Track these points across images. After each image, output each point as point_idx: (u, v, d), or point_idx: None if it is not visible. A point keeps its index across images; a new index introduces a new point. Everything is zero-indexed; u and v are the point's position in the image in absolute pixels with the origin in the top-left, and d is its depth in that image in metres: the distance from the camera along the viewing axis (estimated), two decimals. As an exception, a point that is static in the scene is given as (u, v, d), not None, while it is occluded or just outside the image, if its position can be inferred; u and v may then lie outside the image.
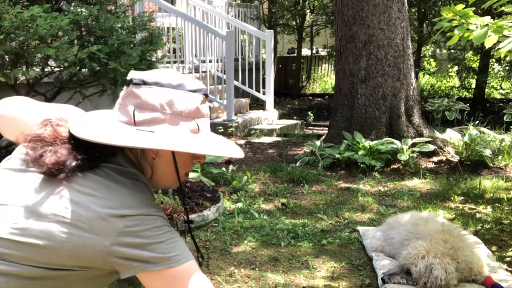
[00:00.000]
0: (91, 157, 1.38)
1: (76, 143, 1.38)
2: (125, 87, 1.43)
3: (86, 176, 1.35)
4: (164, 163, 1.45)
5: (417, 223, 3.26)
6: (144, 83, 1.39)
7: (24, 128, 1.50)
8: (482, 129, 6.78)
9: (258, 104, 9.52)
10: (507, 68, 10.54)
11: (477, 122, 7.57)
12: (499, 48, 2.84)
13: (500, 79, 11.42)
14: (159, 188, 1.52)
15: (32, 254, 1.30)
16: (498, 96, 11.31)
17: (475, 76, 10.47)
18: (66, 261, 1.32)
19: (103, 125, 1.39)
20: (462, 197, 4.73)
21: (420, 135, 6.12)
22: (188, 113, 1.40)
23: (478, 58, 10.56)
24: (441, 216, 4.20)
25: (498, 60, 10.44)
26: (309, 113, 9.49)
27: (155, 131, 1.36)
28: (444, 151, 6.06)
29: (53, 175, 1.34)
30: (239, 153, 1.46)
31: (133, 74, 1.43)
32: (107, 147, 1.37)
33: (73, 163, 1.35)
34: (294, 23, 11.66)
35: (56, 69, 4.66)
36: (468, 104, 8.88)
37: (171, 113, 1.38)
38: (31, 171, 1.38)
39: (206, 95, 1.45)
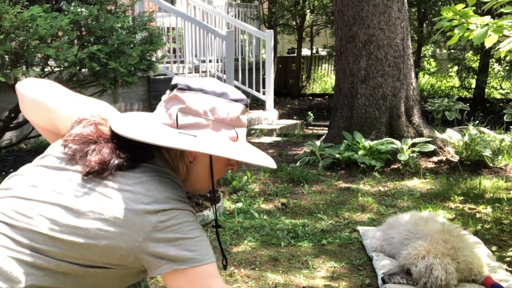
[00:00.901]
0: (133, 156, 1.41)
1: (119, 142, 1.42)
2: (168, 91, 1.47)
3: (125, 174, 1.38)
4: (200, 167, 1.49)
5: (417, 222, 3.26)
6: (189, 88, 1.44)
7: (54, 118, 1.54)
8: (482, 129, 6.78)
9: (258, 104, 9.52)
10: (507, 68, 10.54)
11: (477, 122, 7.57)
12: (499, 48, 2.84)
13: (500, 79, 11.42)
14: (190, 191, 1.57)
15: (69, 251, 1.33)
16: (498, 96, 11.31)
17: (475, 76, 10.47)
18: (99, 258, 1.34)
19: (147, 126, 1.43)
20: (462, 197, 4.73)
21: (420, 135, 6.12)
22: (229, 121, 1.45)
23: (478, 58, 10.56)
24: (441, 216, 4.19)
25: (498, 60, 10.44)
26: (309, 113, 9.49)
27: (197, 135, 1.40)
28: (444, 151, 6.06)
29: (97, 173, 1.38)
30: (272, 164, 1.52)
31: (178, 79, 1.47)
32: (148, 147, 1.42)
33: (116, 162, 1.39)
34: (294, 23, 11.67)
35: (56, 69, 4.66)
36: (468, 104, 8.88)
37: (213, 119, 1.43)
38: (70, 169, 1.41)
39: (246, 105, 1.50)
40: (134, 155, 1.41)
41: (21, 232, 1.35)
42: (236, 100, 1.47)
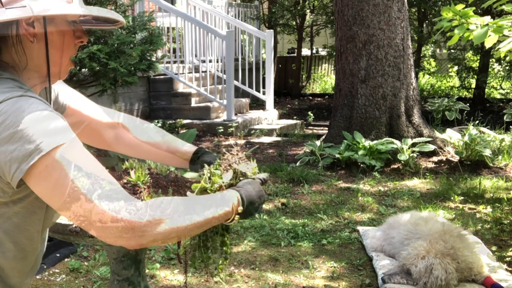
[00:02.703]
0: None
1: None
2: None
3: None
4: (43, 46, 1.27)
5: (417, 222, 3.26)
6: None
7: None
8: (482, 129, 6.77)
9: (258, 104, 9.52)
10: (507, 68, 10.54)
11: (477, 122, 7.57)
12: (499, 48, 2.84)
13: (500, 79, 11.42)
14: (43, 81, 1.34)
15: None
16: (498, 96, 11.31)
17: (475, 76, 10.47)
18: None
19: None
20: (462, 197, 4.73)
21: (420, 135, 6.12)
22: None
23: (478, 58, 10.56)
24: (441, 216, 4.19)
25: (498, 60, 10.44)
26: (309, 113, 9.49)
27: (27, 4, 1.20)
28: (444, 151, 6.06)
29: None
30: (120, 17, 1.32)
31: None
32: None
33: None
34: (294, 23, 11.67)
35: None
36: (468, 104, 8.88)
37: None
38: None
39: None
40: None
41: None
42: None
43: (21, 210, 1.25)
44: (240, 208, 1.31)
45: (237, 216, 1.30)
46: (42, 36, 1.26)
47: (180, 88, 8.40)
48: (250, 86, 8.94)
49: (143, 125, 1.69)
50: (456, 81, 12.20)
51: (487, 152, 5.63)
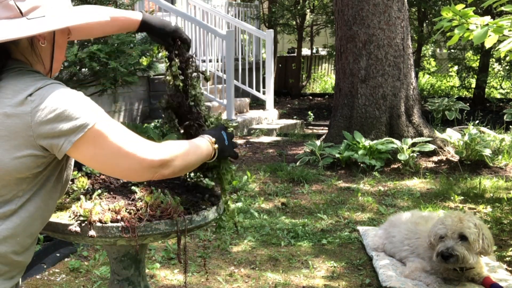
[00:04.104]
0: None
1: None
2: None
3: None
4: (49, 47, 1.47)
5: (418, 221, 3.27)
6: None
7: None
8: (482, 128, 6.78)
9: (258, 103, 9.52)
10: (507, 67, 10.54)
11: (477, 121, 7.57)
12: (499, 48, 2.84)
13: (500, 78, 11.42)
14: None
15: None
16: (498, 96, 11.31)
17: (475, 76, 10.47)
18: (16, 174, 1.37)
19: None
20: (462, 197, 4.73)
21: (420, 134, 6.12)
22: None
23: (478, 57, 10.56)
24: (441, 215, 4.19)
25: (498, 60, 10.44)
26: (309, 112, 9.49)
27: (46, 14, 1.38)
28: (444, 150, 6.06)
29: None
30: (104, 17, 1.56)
31: None
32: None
33: None
34: (294, 22, 11.67)
35: (56, 69, 4.63)
36: (468, 104, 8.88)
37: None
38: None
39: None
40: None
41: None
42: None
43: (43, 193, 1.45)
44: (216, 146, 1.65)
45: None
46: (51, 38, 1.47)
47: (180, 87, 8.39)
48: (250, 85, 8.94)
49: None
50: (456, 81, 12.20)
51: (487, 152, 5.63)
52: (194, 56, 1.89)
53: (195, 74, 1.88)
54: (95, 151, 1.37)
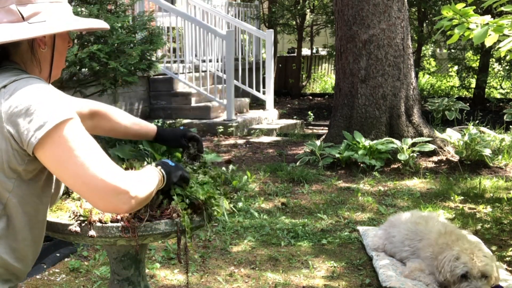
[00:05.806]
0: None
1: None
2: None
3: None
4: (49, 52, 1.50)
5: (418, 222, 3.26)
6: None
7: None
8: (482, 128, 6.78)
9: (258, 103, 9.52)
10: (507, 67, 10.53)
11: (477, 121, 7.57)
12: (499, 47, 2.84)
13: (500, 78, 11.42)
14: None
15: None
16: (498, 96, 11.31)
17: (475, 76, 10.47)
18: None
19: None
20: (462, 197, 4.73)
21: (420, 134, 6.12)
22: None
23: (478, 57, 10.56)
24: (441, 216, 4.19)
25: (498, 60, 10.44)
26: (309, 112, 9.49)
27: (46, 19, 1.42)
28: (444, 150, 6.06)
29: None
30: (105, 24, 1.57)
31: None
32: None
33: None
34: (294, 22, 11.67)
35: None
36: (468, 104, 8.88)
37: (50, 1, 1.45)
38: None
39: None
40: None
41: None
42: None
43: (34, 189, 1.44)
44: (159, 168, 1.60)
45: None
46: (51, 44, 1.49)
47: (180, 87, 8.40)
48: (250, 85, 8.94)
49: (116, 109, 1.95)
50: (456, 81, 12.20)
51: (487, 152, 5.63)
52: (202, 155, 2.07)
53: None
54: (60, 154, 1.33)
